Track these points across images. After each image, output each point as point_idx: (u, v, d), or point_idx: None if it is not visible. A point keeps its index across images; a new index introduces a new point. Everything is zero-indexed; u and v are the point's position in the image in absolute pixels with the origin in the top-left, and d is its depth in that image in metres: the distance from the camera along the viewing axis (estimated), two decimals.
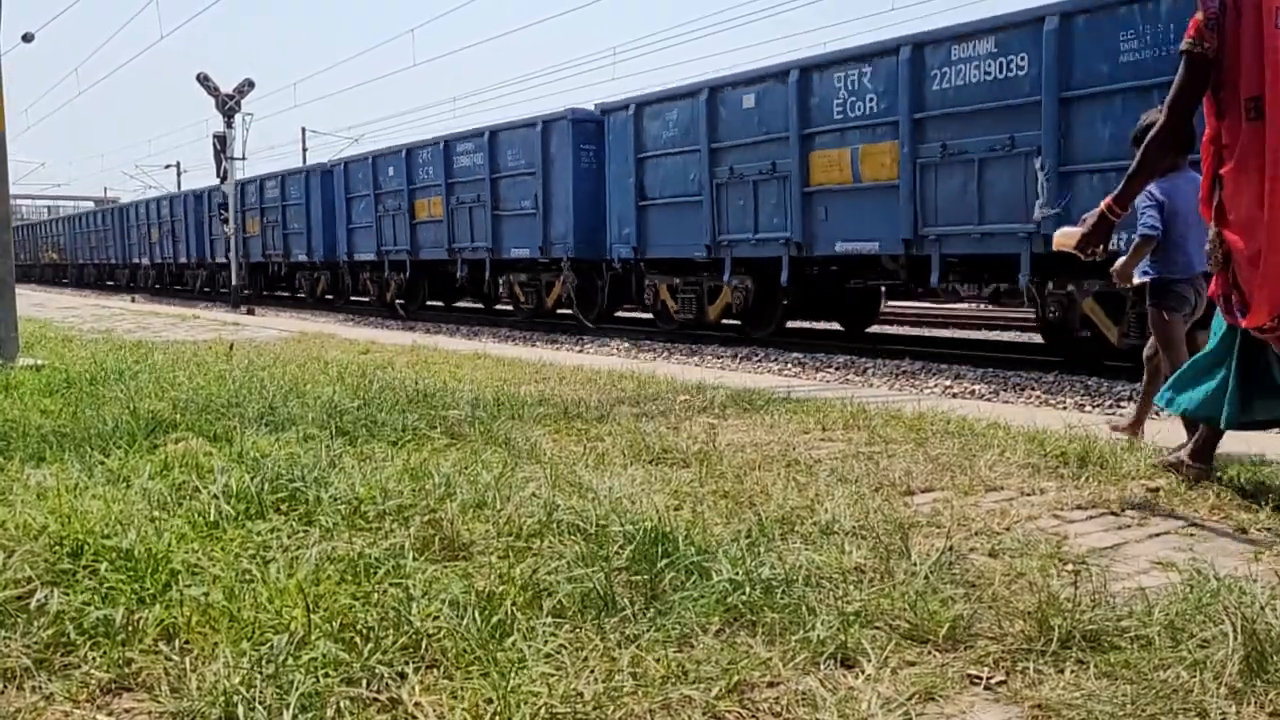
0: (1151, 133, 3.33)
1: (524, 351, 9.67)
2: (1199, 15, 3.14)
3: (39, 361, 6.89)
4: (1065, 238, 3.72)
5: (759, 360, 10.69)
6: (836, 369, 9.83)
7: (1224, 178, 3.18)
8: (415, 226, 17.53)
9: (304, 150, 47.20)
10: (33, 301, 19.08)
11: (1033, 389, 8.24)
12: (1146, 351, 4.57)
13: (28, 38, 27.50)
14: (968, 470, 3.67)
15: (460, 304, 19.89)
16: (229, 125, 22.49)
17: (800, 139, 10.50)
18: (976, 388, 8.40)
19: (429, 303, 19.37)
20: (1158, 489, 3.40)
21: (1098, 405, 7.53)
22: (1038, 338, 11.11)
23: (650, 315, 13.90)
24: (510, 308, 16.69)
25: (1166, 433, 4.36)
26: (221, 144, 22.53)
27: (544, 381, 6.37)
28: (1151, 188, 4.22)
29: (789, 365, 10.26)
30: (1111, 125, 8.13)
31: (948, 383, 8.74)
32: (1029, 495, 3.37)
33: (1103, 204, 3.50)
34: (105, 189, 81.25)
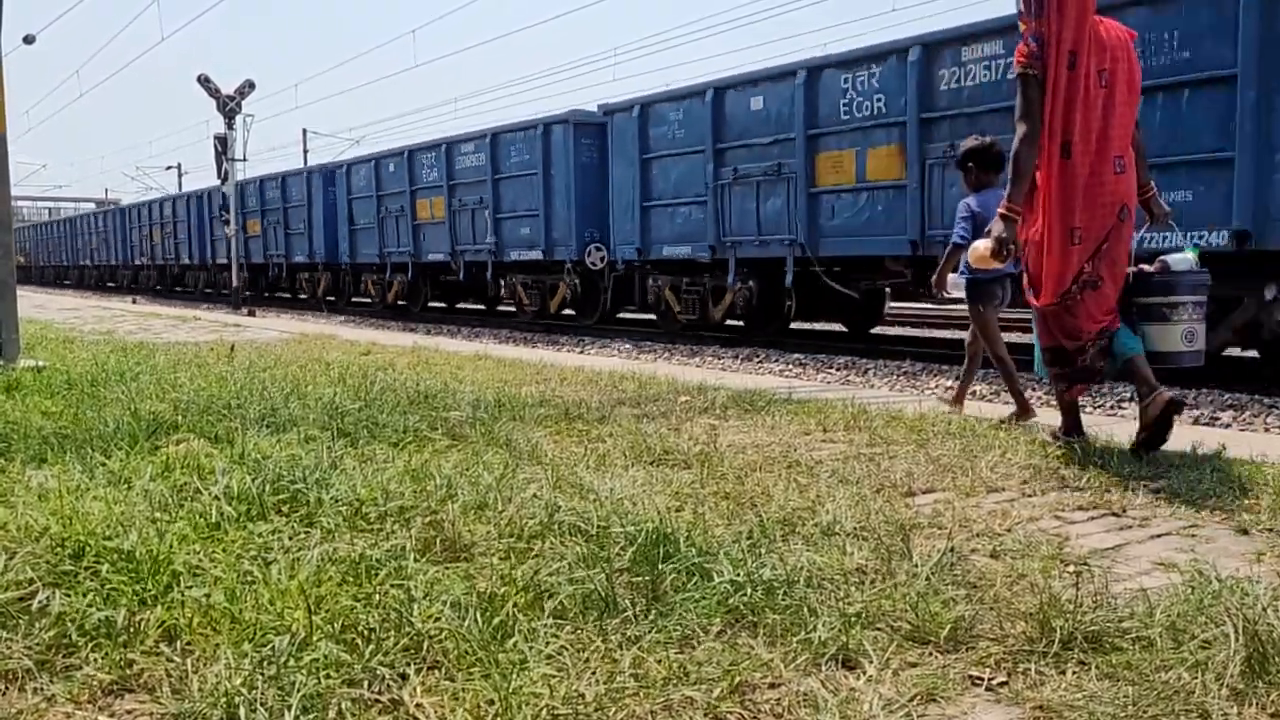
0: (1017, 143, 3.94)
1: (525, 352, 9.67)
2: (1023, 47, 3.95)
3: (40, 363, 6.89)
4: (981, 250, 4.23)
5: (760, 361, 10.69)
6: (838, 370, 9.84)
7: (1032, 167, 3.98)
8: (248, 240, 24.91)
9: (305, 152, 47.16)
10: (34, 303, 19.10)
11: (1035, 390, 8.23)
12: (967, 339, 5.42)
13: (29, 39, 27.52)
14: (969, 471, 3.67)
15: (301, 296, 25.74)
16: (230, 127, 22.48)
17: (410, 193, 18.27)
18: (978, 389, 8.40)
19: (268, 294, 26.00)
20: (1159, 490, 3.40)
21: (1099, 406, 7.53)
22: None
23: (368, 300, 21.41)
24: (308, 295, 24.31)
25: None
26: (222, 145, 22.53)
27: (545, 383, 6.38)
28: (969, 201, 5.22)
29: (790, 366, 10.26)
30: (513, 193, 15.65)
31: (949, 383, 8.72)
32: (1030, 496, 3.37)
33: (1000, 210, 4.02)
34: (106, 190, 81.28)
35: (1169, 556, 2.70)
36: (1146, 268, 4.17)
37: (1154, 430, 3.92)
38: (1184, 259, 4.19)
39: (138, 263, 34.00)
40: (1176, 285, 4.08)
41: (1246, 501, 3.23)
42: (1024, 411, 4.92)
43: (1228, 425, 6.70)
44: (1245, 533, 2.94)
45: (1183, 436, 4.00)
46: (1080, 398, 4.39)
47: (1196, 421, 6.86)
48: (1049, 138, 3.92)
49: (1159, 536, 2.92)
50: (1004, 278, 5.11)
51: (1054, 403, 4.86)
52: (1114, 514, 3.15)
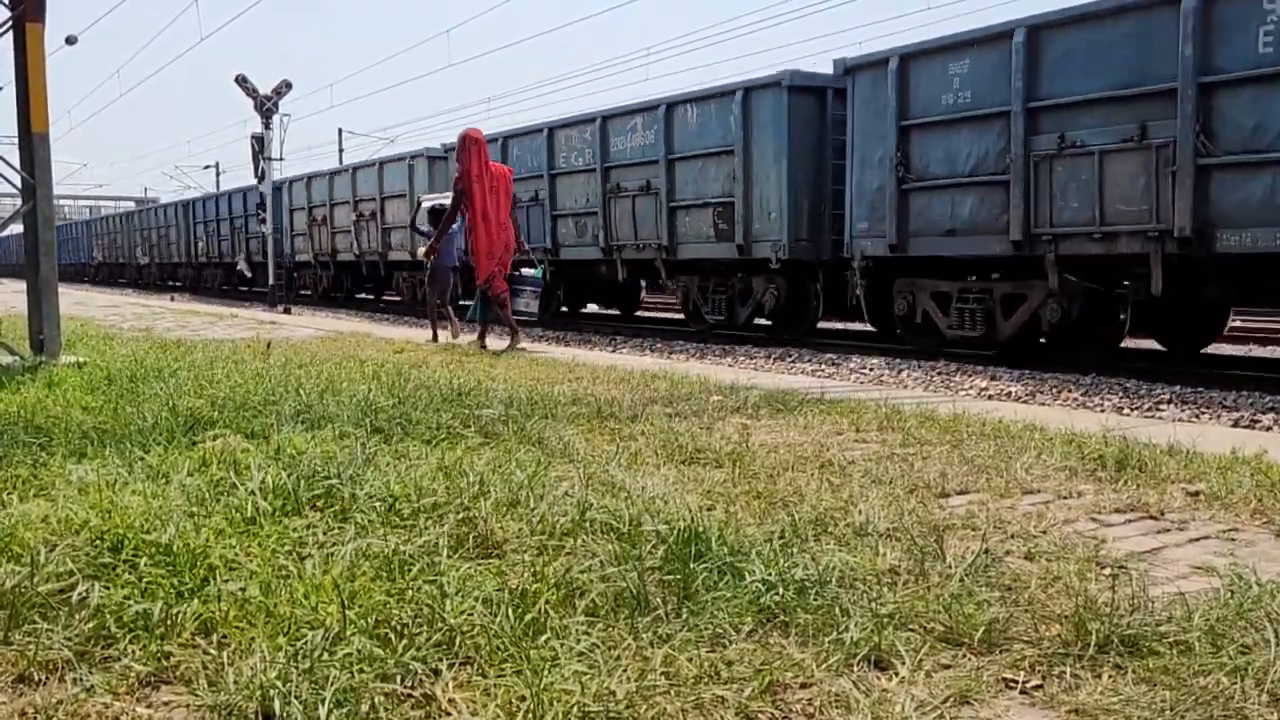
0: (445, 217, 9.97)
1: (557, 350, 9.70)
2: (456, 175, 9.37)
3: (81, 359, 7.00)
4: (422, 250, 10.59)
5: (793, 360, 10.66)
6: (871, 370, 9.78)
7: (470, 229, 9.39)
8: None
9: (340, 151, 47.47)
10: (74, 300, 19.40)
11: (1070, 390, 8.15)
12: (428, 299, 11.23)
13: (71, 40, 27.89)
14: (1004, 472, 3.64)
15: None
16: (266, 126, 22.68)
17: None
18: (1013, 389, 8.33)
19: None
20: (1198, 493, 3.36)
21: (1136, 408, 7.44)
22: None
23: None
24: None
25: (1204, 438, 4.29)
26: (259, 145, 22.74)
27: (577, 381, 6.39)
28: (425, 230, 11.39)
29: (823, 366, 10.22)
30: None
31: (983, 384, 8.66)
32: (1066, 498, 3.34)
33: (432, 242, 10.32)
34: (145, 189, 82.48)
35: (1207, 560, 2.66)
36: (517, 271, 9.66)
37: (511, 343, 9.27)
38: (531, 272, 10.01)
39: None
40: (521, 281, 9.69)
41: None
42: (435, 337, 10.44)
43: (1269, 428, 6.60)
44: None
45: (1222, 439, 3.94)
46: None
47: (1236, 424, 6.76)
48: (476, 214, 9.09)
49: (1197, 540, 2.88)
50: (450, 272, 10.88)
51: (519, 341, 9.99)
52: (1151, 517, 3.11)
